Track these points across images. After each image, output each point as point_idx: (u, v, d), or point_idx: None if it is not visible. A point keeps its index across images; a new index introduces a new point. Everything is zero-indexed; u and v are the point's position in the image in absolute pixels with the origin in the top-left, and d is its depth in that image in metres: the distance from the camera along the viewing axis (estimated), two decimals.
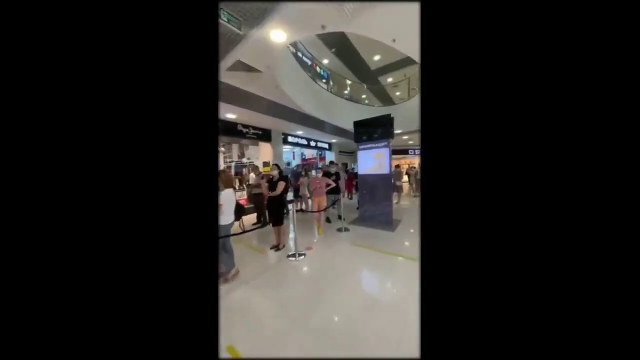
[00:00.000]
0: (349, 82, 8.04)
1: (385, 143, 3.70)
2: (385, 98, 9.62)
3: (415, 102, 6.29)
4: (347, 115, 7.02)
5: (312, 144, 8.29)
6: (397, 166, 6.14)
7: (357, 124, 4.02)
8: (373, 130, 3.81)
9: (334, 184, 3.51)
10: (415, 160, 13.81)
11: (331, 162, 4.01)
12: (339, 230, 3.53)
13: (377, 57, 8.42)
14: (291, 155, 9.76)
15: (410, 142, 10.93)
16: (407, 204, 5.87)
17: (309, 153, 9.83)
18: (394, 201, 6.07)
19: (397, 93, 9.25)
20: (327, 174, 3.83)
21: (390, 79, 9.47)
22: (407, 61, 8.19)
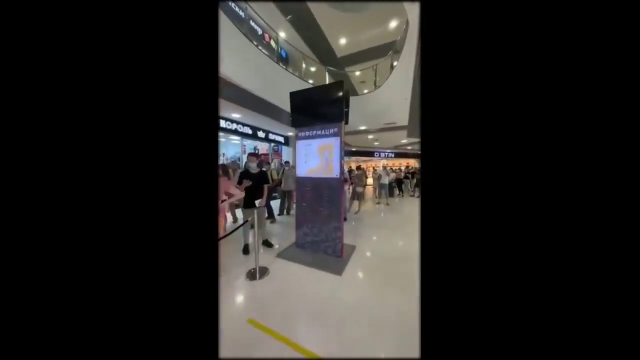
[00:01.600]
0: (312, 68, 6.56)
1: (336, 129, 2.30)
2: (349, 88, 8.36)
3: (382, 95, 5.19)
4: None
5: (261, 134, 6.54)
6: (359, 167, 4.90)
7: (295, 97, 2.52)
8: (317, 107, 2.37)
9: (239, 194, 1.95)
10: (380, 164, 13.24)
11: (251, 155, 2.43)
12: (251, 275, 1.98)
13: (343, 41, 7.18)
14: (241, 149, 7.84)
15: (376, 142, 10.05)
16: (368, 214, 4.69)
17: (264, 147, 8.04)
18: (354, 210, 4.92)
19: (365, 91, 8.17)
20: (244, 175, 2.26)
21: (358, 73, 8.36)
22: (376, 51, 7.17)
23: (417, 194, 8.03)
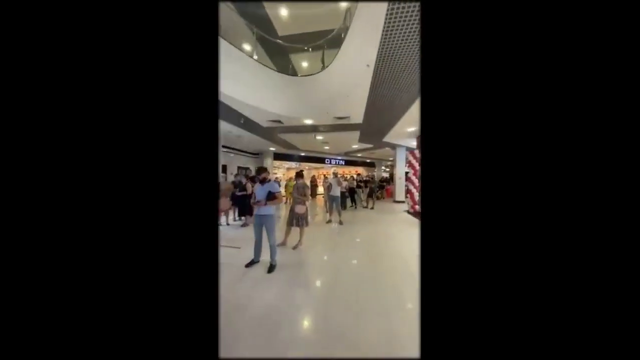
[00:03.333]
0: (246, 45, 4.43)
1: None
2: (284, 64, 5.72)
3: (333, 76, 3.73)
4: (244, 85, 3.45)
5: None
6: (300, 174, 3.12)
7: None
8: None
9: None
10: (330, 172, 12.09)
11: None
12: None
13: (284, 12, 5.52)
14: None
15: (327, 147, 8.71)
16: (314, 246, 2.93)
17: None
18: (292, 245, 2.75)
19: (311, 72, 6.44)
20: None
21: (305, 64, 6.84)
22: (324, 36, 5.84)
23: (370, 204, 7.01)
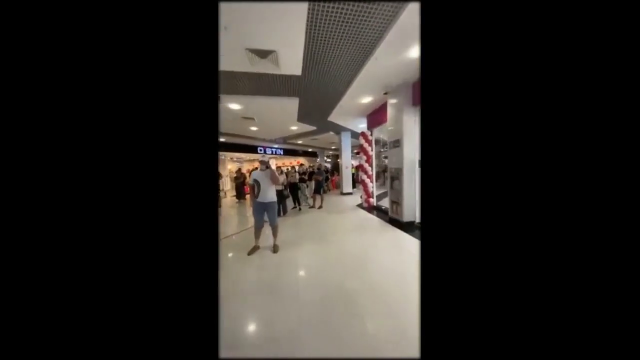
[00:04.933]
0: None
1: None
2: None
3: None
4: None
5: None
6: None
7: None
8: None
9: None
10: (254, 162, 9.63)
11: None
12: None
13: None
14: None
15: (254, 127, 6.21)
16: None
17: None
18: None
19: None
20: None
21: None
22: None
23: (318, 203, 5.39)
